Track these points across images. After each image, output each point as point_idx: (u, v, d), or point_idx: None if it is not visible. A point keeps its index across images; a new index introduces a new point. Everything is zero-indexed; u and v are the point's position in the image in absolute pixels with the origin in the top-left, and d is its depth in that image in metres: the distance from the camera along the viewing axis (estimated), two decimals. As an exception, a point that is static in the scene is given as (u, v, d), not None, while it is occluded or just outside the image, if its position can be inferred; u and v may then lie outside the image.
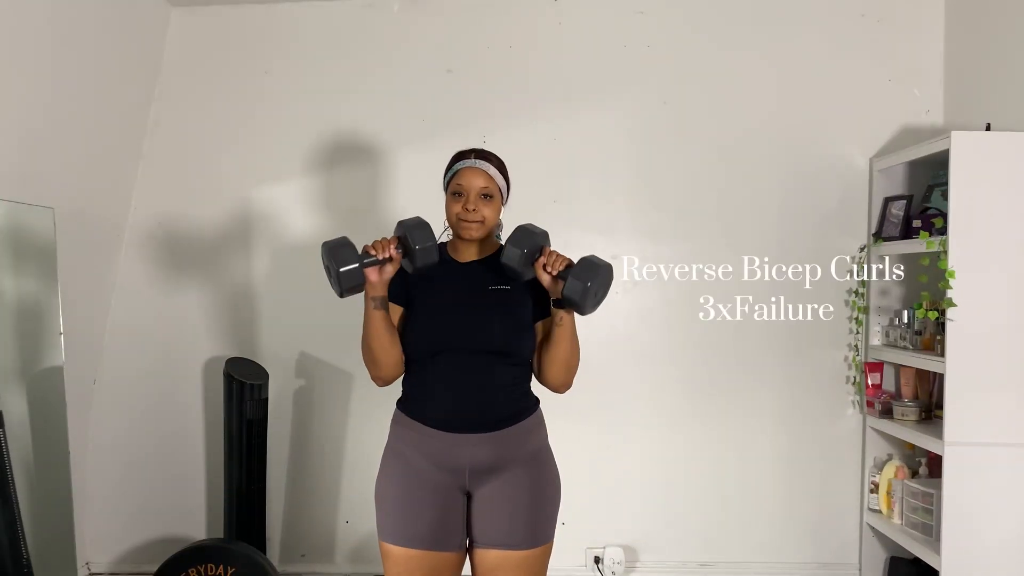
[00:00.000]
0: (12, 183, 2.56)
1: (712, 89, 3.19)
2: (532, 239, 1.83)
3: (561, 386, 1.95)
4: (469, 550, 1.91)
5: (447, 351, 1.86)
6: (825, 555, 3.19)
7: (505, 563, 1.84)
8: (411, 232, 1.82)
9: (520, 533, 1.85)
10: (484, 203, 1.90)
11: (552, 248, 1.86)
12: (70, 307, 2.78)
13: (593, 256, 1.80)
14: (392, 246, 1.82)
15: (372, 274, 1.81)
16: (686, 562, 3.22)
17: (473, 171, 1.91)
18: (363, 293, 1.84)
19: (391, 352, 1.88)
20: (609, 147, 3.21)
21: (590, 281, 1.75)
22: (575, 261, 1.81)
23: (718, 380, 3.20)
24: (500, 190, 1.95)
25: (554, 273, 1.81)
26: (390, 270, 1.83)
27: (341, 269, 1.76)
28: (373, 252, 1.81)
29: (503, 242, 2.04)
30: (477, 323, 1.86)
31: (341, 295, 1.81)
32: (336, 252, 1.78)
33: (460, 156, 1.97)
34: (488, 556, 1.86)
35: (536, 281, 1.90)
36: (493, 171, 1.93)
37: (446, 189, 1.96)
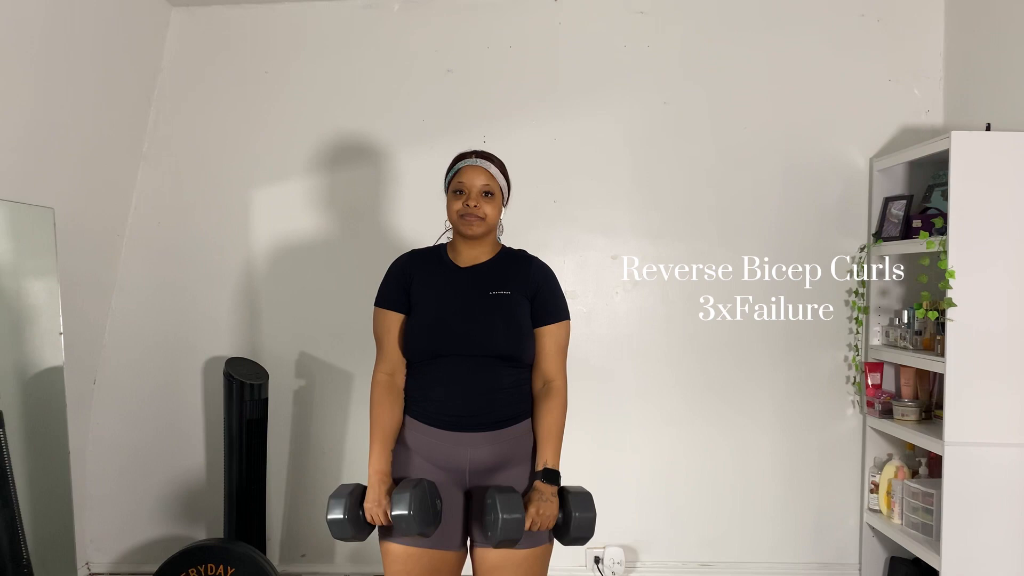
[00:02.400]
0: (12, 183, 2.56)
1: (712, 89, 3.19)
2: (511, 528, 1.72)
3: None
4: (470, 550, 1.92)
5: (448, 355, 1.86)
6: (825, 555, 3.19)
7: (506, 562, 1.84)
8: (398, 524, 1.76)
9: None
10: (485, 200, 1.91)
11: (533, 503, 1.79)
12: (70, 307, 2.78)
13: (577, 514, 1.79)
14: (383, 519, 1.82)
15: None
16: (686, 562, 3.22)
17: (474, 169, 1.92)
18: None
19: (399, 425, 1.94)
20: (609, 147, 3.21)
21: (586, 539, 1.82)
22: (561, 516, 1.81)
23: (718, 380, 3.20)
24: (501, 189, 1.95)
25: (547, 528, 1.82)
26: (386, 522, 1.84)
27: (329, 517, 1.82)
28: (369, 517, 1.84)
29: (503, 243, 2.05)
30: (478, 328, 1.86)
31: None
32: (332, 503, 1.83)
33: (461, 156, 1.98)
34: (489, 555, 1.86)
35: (536, 286, 1.92)
36: (494, 170, 1.94)
37: (447, 189, 1.97)
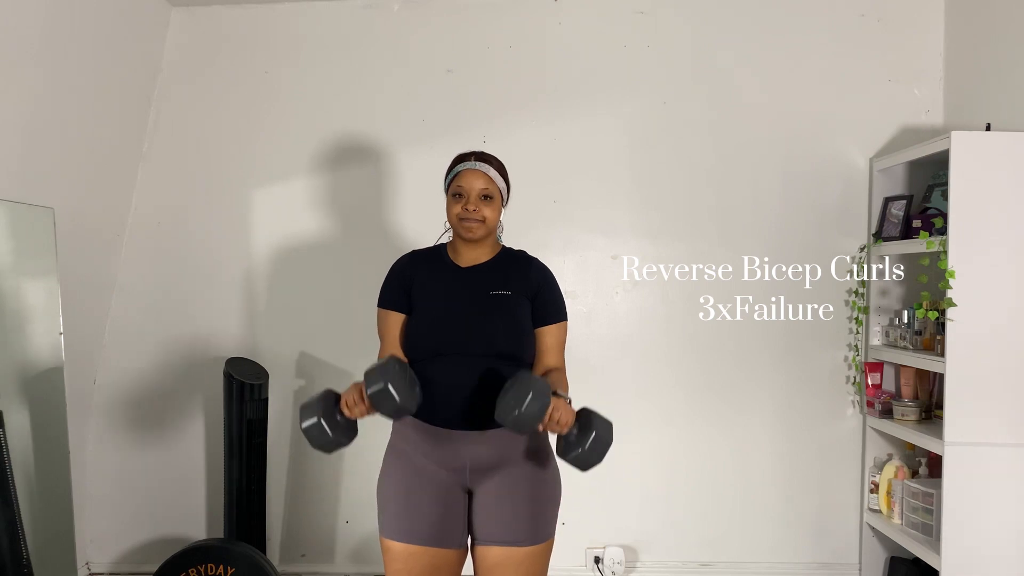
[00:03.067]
0: (12, 183, 2.56)
1: (712, 89, 3.19)
2: (532, 412, 1.67)
3: None
4: (471, 547, 1.92)
5: (449, 354, 1.87)
6: (825, 555, 3.19)
7: (507, 560, 1.85)
8: (378, 403, 1.69)
9: (522, 530, 1.85)
10: (484, 204, 1.92)
11: (553, 401, 1.72)
12: (70, 307, 2.78)
13: (597, 432, 1.73)
14: (363, 407, 1.73)
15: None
16: (686, 562, 3.22)
17: (473, 173, 1.92)
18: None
19: None
20: (609, 147, 3.21)
21: (592, 464, 1.74)
22: (577, 429, 1.74)
23: (718, 380, 3.20)
24: (500, 191, 1.96)
25: (555, 432, 1.77)
26: (361, 412, 1.75)
27: (303, 425, 1.72)
28: (346, 412, 1.74)
29: (504, 243, 2.05)
30: (478, 328, 1.87)
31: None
32: (303, 412, 1.73)
33: (460, 158, 1.98)
34: (490, 553, 1.87)
35: (536, 287, 1.93)
36: (493, 173, 1.94)
37: (447, 191, 1.97)
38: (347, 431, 1.76)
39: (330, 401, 1.75)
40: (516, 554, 1.85)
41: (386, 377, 1.66)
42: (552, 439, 1.98)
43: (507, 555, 1.85)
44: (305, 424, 1.72)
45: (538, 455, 1.93)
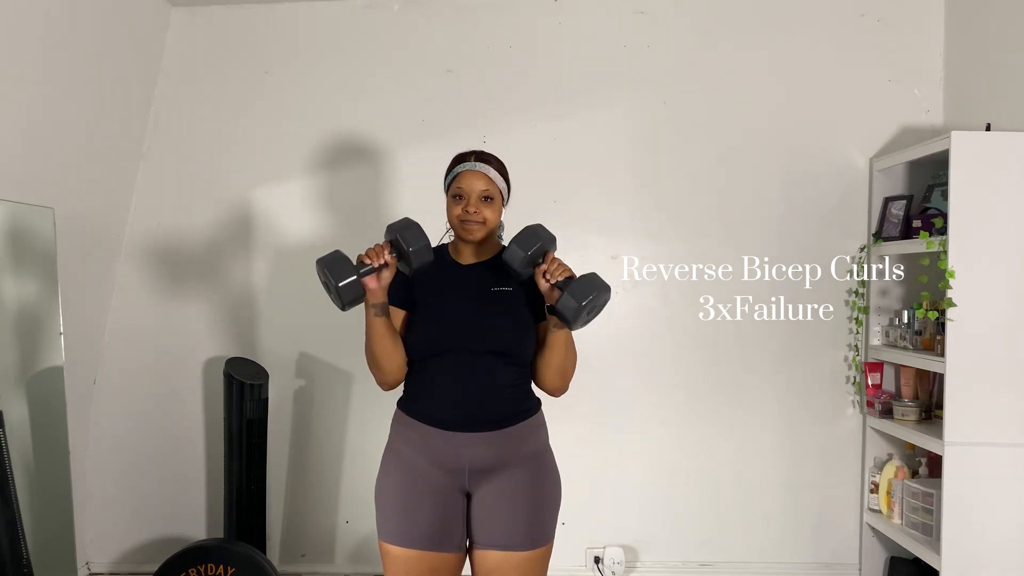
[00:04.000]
0: (12, 183, 2.56)
1: (712, 89, 3.19)
2: (536, 242, 1.83)
3: (556, 390, 1.95)
4: (469, 551, 1.91)
5: (449, 352, 1.86)
6: (825, 555, 3.19)
7: (505, 564, 1.84)
8: (402, 234, 1.81)
9: (520, 534, 1.85)
10: (485, 205, 1.91)
11: (556, 255, 1.85)
12: (70, 307, 2.78)
13: (594, 275, 1.79)
14: (386, 251, 1.82)
15: (371, 282, 1.81)
16: (686, 562, 3.22)
17: (473, 174, 1.92)
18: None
19: (394, 357, 1.88)
20: (609, 147, 3.21)
21: (584, 301, 1.74)
22: (576, 275, 1.81)
23: (718, 380, 3.20)
24: (501, 192, 1.95)
25: (552, 282, 1.81)
26: (387, 275, 1.82)
27: (340, 284, 1.76)
28: (368, 261, 1.81)
29: (505, 243, 2.05)
30: (480, 325, 1.86)
31: (343, 308, 1.82)
32: (332, 267, 1.78)
33: (460, 159, 1.98)
34: (488, 557, 1.86)
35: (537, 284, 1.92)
36: (493, 173, 1.94)
37: (447, 191, 1.97)
38: (360, 272, 1.80)
39: (347, 258, 1.81)
40: (514, 558, 1.84)
41: (409, 223, 1.81)
42: (551, 433, 1.99)
43: (505, 559, 1.84)
44: (327, 258, 1.79)
45: (539, 457, 1.92)
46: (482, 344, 1.85)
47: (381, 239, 3.07)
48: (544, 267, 1.82)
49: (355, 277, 1.77)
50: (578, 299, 1.74)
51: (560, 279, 1.80)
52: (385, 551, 1.86)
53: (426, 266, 1.85)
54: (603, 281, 1.79)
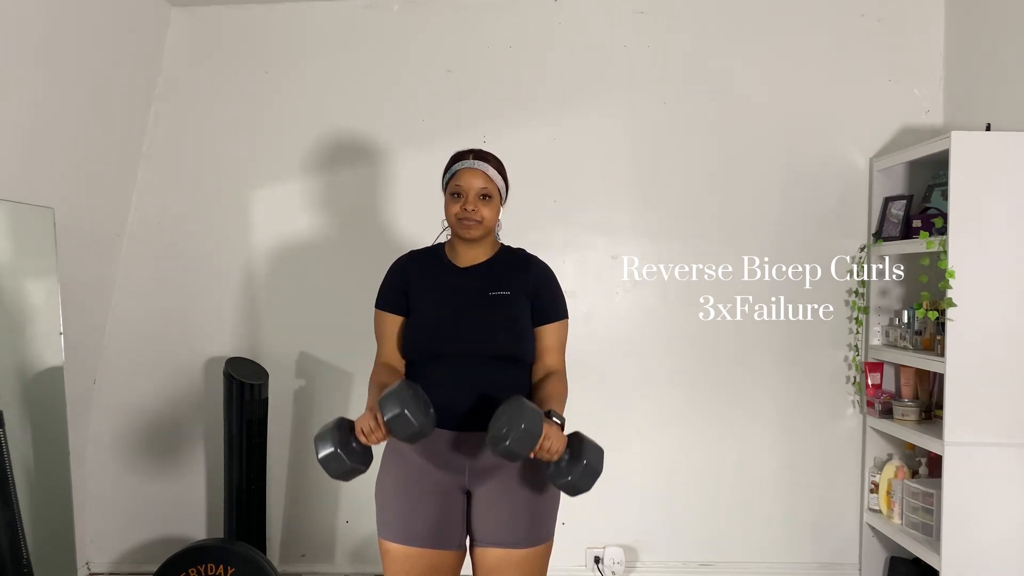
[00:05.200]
0: (12, 183, 2.56)
1: (712, 89, 3.19)
2: (539, 431, 1.67)
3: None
4: (469, 549, 1.92)
5: (448, 356, 1.86)
6: (825, 555, 3.19)
7: (505, 562, 1.84)
8: (396, 429, 1.69)
9: (520, 532, 1.85)
10: (483, 203, 1.91)
11: (544, 429, 1.69)
12: (70, 307, 2.78)
13: (587, 461, 1.71)
14: (380, 433, 1.73)
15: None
16: (686, 562, 3.22)
17: (471, 172, 1.91)
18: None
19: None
20: (609, 147, 3.21)
21: (580, 491, 1.73)
22: (568, 456, 1.72)
23: (718, 380, 3.20)
24: (499, 190, 1.95)
25: (545, 460, 1.74)
26: (379, 438, 1.75)
27: (320, 455, 1.71)
28: (364, 440, 1.73)
29: (503, 241, 2.05)
30: (478, 329, 1.87)
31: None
32: (318, 443, 1.73)
33: (458, 157, 1.97)
34: (489, 555, 1.86)
35: (536, 286, 1.92)
36: (492, 171, 1.93)
37: (445, 189, 1.97)
38: (363, 457, 1.76)
39: (344, 429, 1.75)
40: (515, 556, 1.84)
41: (403, 403, 1.66)
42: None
43: (506, 557, 1.84)
44: (322, 455, 1.71)
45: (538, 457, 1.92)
46: (481, 349, 1.85)
47: (380, 240, 3.07)
48: (540, 452, 1.69)
49: (344, 459, 1.71)
50: (574, 488, 1.73)
51: (554, 460, 1.72)
52: (385, 549, 1.87)
53: (420, 436, 1.72)
54: (596, 458, 1.74)
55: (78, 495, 2.92)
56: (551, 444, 1.69)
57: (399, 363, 1.95)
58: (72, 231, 2.84)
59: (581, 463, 1.71)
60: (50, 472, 2.71)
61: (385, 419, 1.67)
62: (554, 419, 1.76)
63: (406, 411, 1.65)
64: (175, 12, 3.28)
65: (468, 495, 1.89)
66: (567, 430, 1.80)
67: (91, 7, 2.79)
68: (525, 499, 1.86)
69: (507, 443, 1.64)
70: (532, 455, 1.69)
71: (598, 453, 1.75)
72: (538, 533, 1.87)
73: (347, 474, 1.74)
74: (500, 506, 1.85)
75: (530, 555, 1.85)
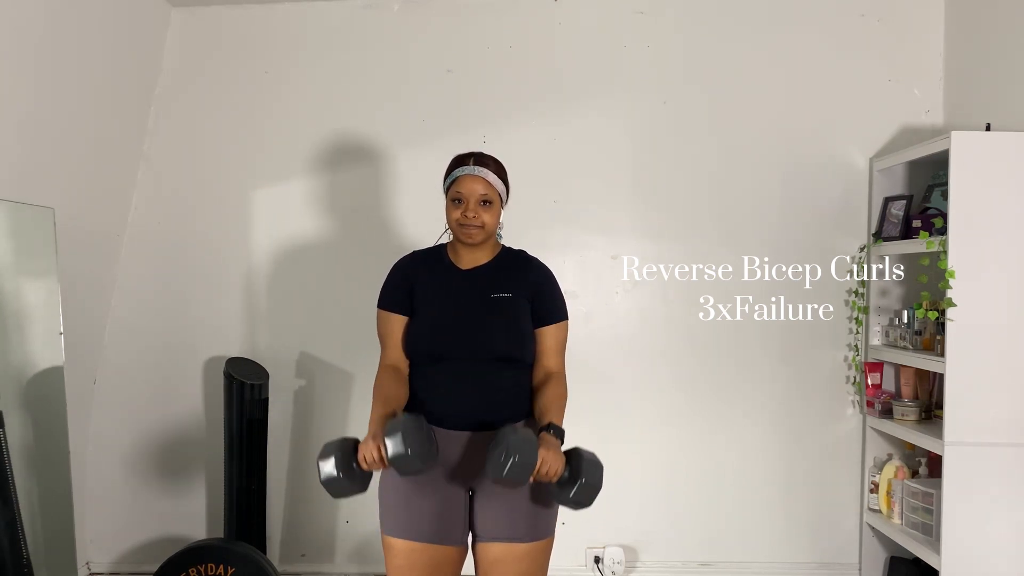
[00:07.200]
0: (12, 183, 2.56)
1: (712, 89, 3.19)
2: (535, 457, 1.69)
3: None
4: (472, 545, 1.93)
5: (450, 357, 1.88)
6: (825, 555, 3.19)
7: (507, 556, 1.86)
8: (398, 466, 1.71)
9: (522, 526, 1.86)
10: (483, 209, 1.92)
11: (541, 453, 1.71)
12: (70, 307, 2.78)
13: (591, 475, 1.74)
14: (382, 465, 1.75)
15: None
16: (686, 562, 3.22)
17: (472, 178, 1.92)
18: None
19: (402, 400, 1.92)
20: (609, 147, 3.21)
21: (582, 506, 1.75)
22: (567, 474, 1.74)
23: (718, 380, 3.20)
24: (499, 195, 1.96)
25: (545, 482, 1.75)
26: (382, 467, 1.77)
27: (322, 477, 1.74)
28: (364, 466, 1.76)
29: (504, 243, 2.05)
30: (480, 331, 1.88)
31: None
32: (322, 464, 1.75)
33: (459, 162, 1.98)
34: (491, 549, 1.87)
35: (536, 287, 1.93)
36: (492, 177, 1.94)
37: (446, 193, 1.97)
38: (364, 480, 1.79)
39: (348, 451, 1.77)
40: (516, 550, 1.85)
41: (407, 442, 1.68)
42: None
43: (507, 551, 1.86)
44: (324, 476, 1.74)
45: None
46: (483, 351, 1.86)
47: (380, 240, 3.07)
48: (539, 476, 1.72)
49: (343, 480, 1.74)
50: (575, 503, 1.75)
51: (554, 480, 1.74)
52: (388, 545, 1.88)
53: (421, 472, 1.75)
54: (596, 473, 1.76)
55: (78, 495, 2.92)
56: (548, 468, 1.72)
57: (404, 364, 1.96)
58: (72, 231, 2.84)
59: (579, 480, 1.74)
60: (50, 472, 2.71)
61: (389, 457, 1.70)
62: (552, 434, 1.79)
63: (410, 451, 1.68)
64: (175, 12, 3.28)
65: (470, 492, 1.90)
66: (568, 440, 1.82)
67: (91, 7, 2.79)
68: (526, 495, 1.87)
69: (504, 475, 1.67)
70: (532, 479, 1.71)
71: (597, 470, 1.77)
72: (539, 528, 1.88)
73: (346, 495, 1.77)
74: (502, 502, 1.86)
75: (531, 550, 1.86)
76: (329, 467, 1.74)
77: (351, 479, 1.74)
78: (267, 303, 3.29)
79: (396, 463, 1.70)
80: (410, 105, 3.23)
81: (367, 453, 1.75)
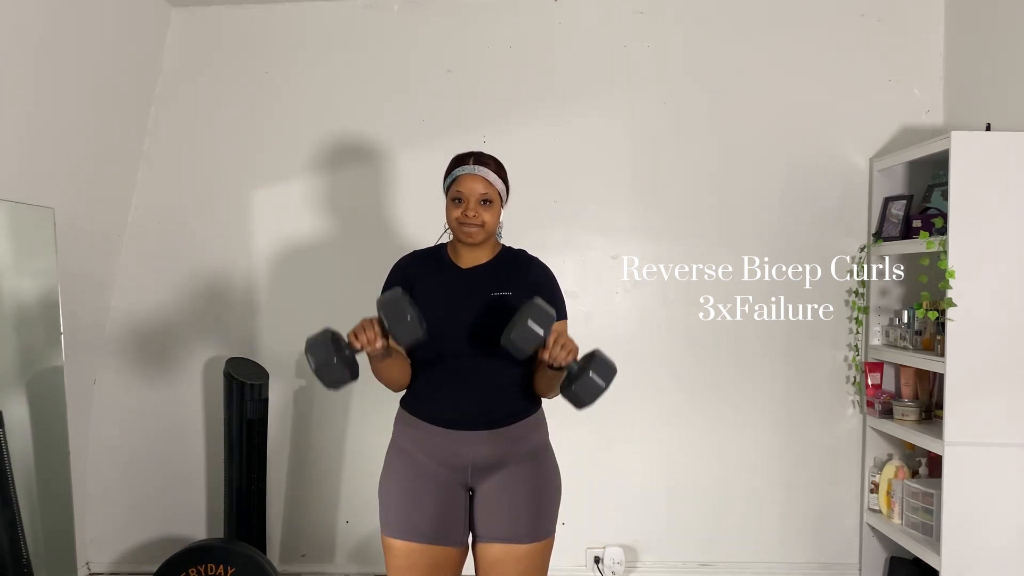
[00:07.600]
0: (12, 183, 2.56)
1: (712, 89, 3.19)
2: (551, 322, 1.70)
3: (545, 396, 1.97)
4: (472, 546, 1.93)
5: (450, 356, 1.88)
6: (825, 555, 3.19)
7: (507, 556, 1.86)
8: (393, 326, 1.70)
9: (522, 527, 1.86)
10: (483, 208, 1.92)
11: (556, 328, 1.73)
12: (70, 307, 2.78)
13: (599, 372, 1.71)
14: (374, 334, 1.72)
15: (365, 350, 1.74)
16: (686, 562, 3.22)
17: (472, 177, 1.92)
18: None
19: (401, 379, 1.92)
20: (609, 147, 3.21)
21: (590, 400, 1.73)
22: (578, 362, 1.73)
23: (718, 380, 3.20)
24: (499, 194, 1.96)
25: (555, 365, 1.74)
26: (381, 346, 1.75)
27: (320, 371, 1.69)
28: (357, 344, 1.72)
29: (504, 242, 2.05)
30: (481, 332, 1.87)
31: (329, 388, 1.74)
32: (312, 350, 1.69)
33: (459, 161, 1.98)
34: (491, 550, 1.88)
35: (536, 287, 1.93)
36: (492, 176, 1.94)
37: (446, 193, 1.97)
38: (355, 366, 1.75)
39: (336, 338, 1.73)
40: (516, 551, 1.86)
41: (406, 308, 1.67)
42: (552, 432, 1.99)
43: (507, 552, 1.86)
44: (317, 364, 1.68)
45: (539, 454, 1.94)
46: (484, 350, 1.86)
47: (380, 240, 3.08)
48: (546, 352, 1.72)
49: (335, 361, 1.69)
50: (582, 399, 1.72)
51: (564, 364, 1.73)
52: (388, 545, 1.88)
53: (419, 341, 1.74)
54: (609, 370, 1.73)
55: (78, 495, 2.93)
56: (564, 343, 1.72)
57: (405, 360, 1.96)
58: (72, 231, 2.84)
59: (587, 372, 1.71)
60: (50, 472, 2.71)
61: (389, 325, 1.68)
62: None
63: (409, 316, 1.67)
64: (175, 12, 3.28)
65: (470, 492, 1.90)
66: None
67: (91, 7, 2.79)
68: (526, 495, 1.87)
69: (511, 335, 1.66)
70: (546, 355, 1.71)
71: (609, 371, 1.73)
72: (539, 529, 1.88)
73: (341, 381, 1.72)
74: (502, 502, 1.87)
75: (531, 551, 1.86)
76: (322, 353, 1.68)
77: (345, 363, 1.70)
78: (267, 303, 3.29)
79: (398, 331, 1.67)
80: (410, 105, 3.23)
81: (363, 331, 1.72)
